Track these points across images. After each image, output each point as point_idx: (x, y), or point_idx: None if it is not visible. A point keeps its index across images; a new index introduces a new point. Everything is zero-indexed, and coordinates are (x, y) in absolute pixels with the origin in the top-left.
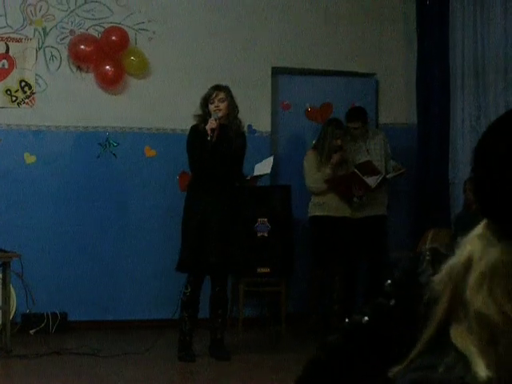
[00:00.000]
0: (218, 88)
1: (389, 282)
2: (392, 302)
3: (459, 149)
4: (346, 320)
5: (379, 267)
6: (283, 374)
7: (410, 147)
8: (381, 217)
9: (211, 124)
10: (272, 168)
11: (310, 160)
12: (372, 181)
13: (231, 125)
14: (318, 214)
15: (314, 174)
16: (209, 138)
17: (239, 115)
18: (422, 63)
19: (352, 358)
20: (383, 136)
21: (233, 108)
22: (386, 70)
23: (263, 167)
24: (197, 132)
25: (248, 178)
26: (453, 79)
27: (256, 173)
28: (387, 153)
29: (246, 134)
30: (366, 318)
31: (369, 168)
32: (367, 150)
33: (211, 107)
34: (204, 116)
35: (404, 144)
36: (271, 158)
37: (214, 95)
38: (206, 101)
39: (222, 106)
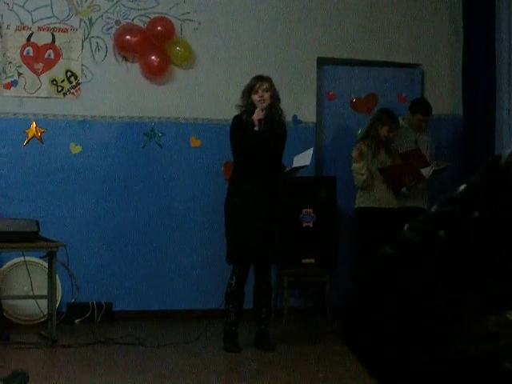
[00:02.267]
0: (261, 78)
1: (463, 186)
2: (476, 214)
3: (505, 139)
4: (408, 228)
5: None
6: (328, 366)
7: (456, 138)
8: (420, 210)
9: (258, 115)
10: (314, 159)
11: (356, 154)
12: (426, 172)
13: (274, 115)
14: (364, 205)
15: (356, 164)
16: (256, 128)
17: (282, 105)
18: (468, 53)
19: (424, 280)
20: (429, 135)
21: (276, 97)
22: (432, 60)
23: (303, 159)
24: (240, 122)
25: (287, 169)
26: (499, 69)
27: (295, 164)
28: (431, 152)
29: (291, 125)
30: (443, 232)
31: (416, 156)
32: (415, 141)
33: (255, 97)
34: (247, 106)
35: (449, 135)
36: (311, 150)
37: (258, 85)
38: (249, 91)
39: (267, 95)
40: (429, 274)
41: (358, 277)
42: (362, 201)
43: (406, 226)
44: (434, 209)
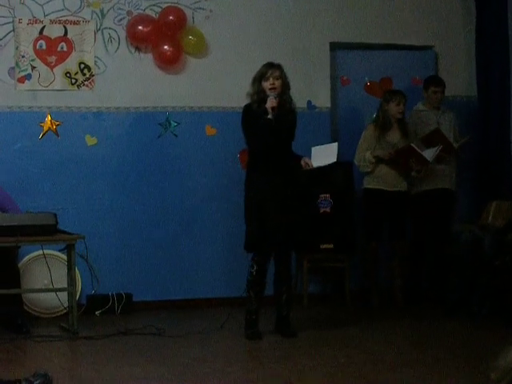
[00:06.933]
0: (272, 66)
1: None
2: None
3: None
4: None
5: (444, 242)
6: (350, 351)
7: (471, 119)
8: (446, 190)
9: (272, 102)
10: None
11: (366, 134)
12: (429, 154)
13: (284, 102)
14: (371, 186)
15: (363, 150)
16: (270, 116)
17: (296, 91)
18: (481, 33)
19: None
20: (453, 116)
21: (286, 86)
22: (445, 41)
23: (325, 154)
24: (251, 111)
25: (310, 167)
26: None
27: (318, 163)
28: (455, 134)
29: (306, 111)
30: None
31: (437, 137)
32: (437, 123)
33: (266, 84)
34: (258, 94)
35: (465, 116)
36: (335, 145)
37: (269, 73)
38: (260, 78)
39: (278, 83)
40: None
41: None
42: (369, 182)
43: None
44: None
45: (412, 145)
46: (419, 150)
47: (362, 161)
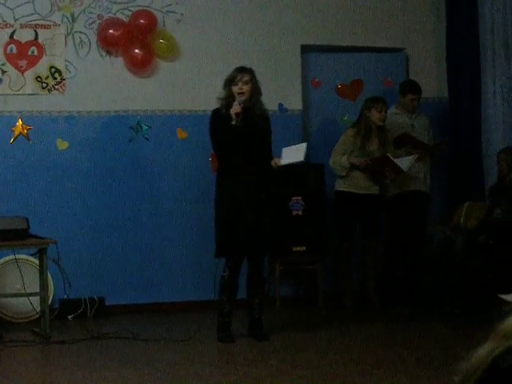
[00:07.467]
0: (242, 70)
1: None
2: None
3: (491, 121)
4: None
5: (419, 244)
6: (323, 353)
7: (442, 121)
8: (421, 193)
9: (236, 109)
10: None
11: (344, 138)
12: (405, 163)
13: (254, 107)
14: (342, 189)
15: (339, 154)
16: (233, 123)
17: (268, 94)
18: (452, 35)
19: None
20: (427, 119)
21: (256, 91)
22: (416, 43)
23: (294, 153)
24: (219, 116)
25: (277, 165)
26: (483, 50)
27: (285, 158)
28: (430, 137)
29: (277, 113)
30: None
31: (406, 140)
32: (412, 125)
33: (235, 89)
34: (227, 98)
35: (436, 118)
36: (304, 145)
37: (238, 77)
38: (229, 82)
39: (246, 88)
40: None
41: None
42: (340, 184)
43: None
44: None
45: (388, 155)
46: (395, 161)
47: (336, 164)
